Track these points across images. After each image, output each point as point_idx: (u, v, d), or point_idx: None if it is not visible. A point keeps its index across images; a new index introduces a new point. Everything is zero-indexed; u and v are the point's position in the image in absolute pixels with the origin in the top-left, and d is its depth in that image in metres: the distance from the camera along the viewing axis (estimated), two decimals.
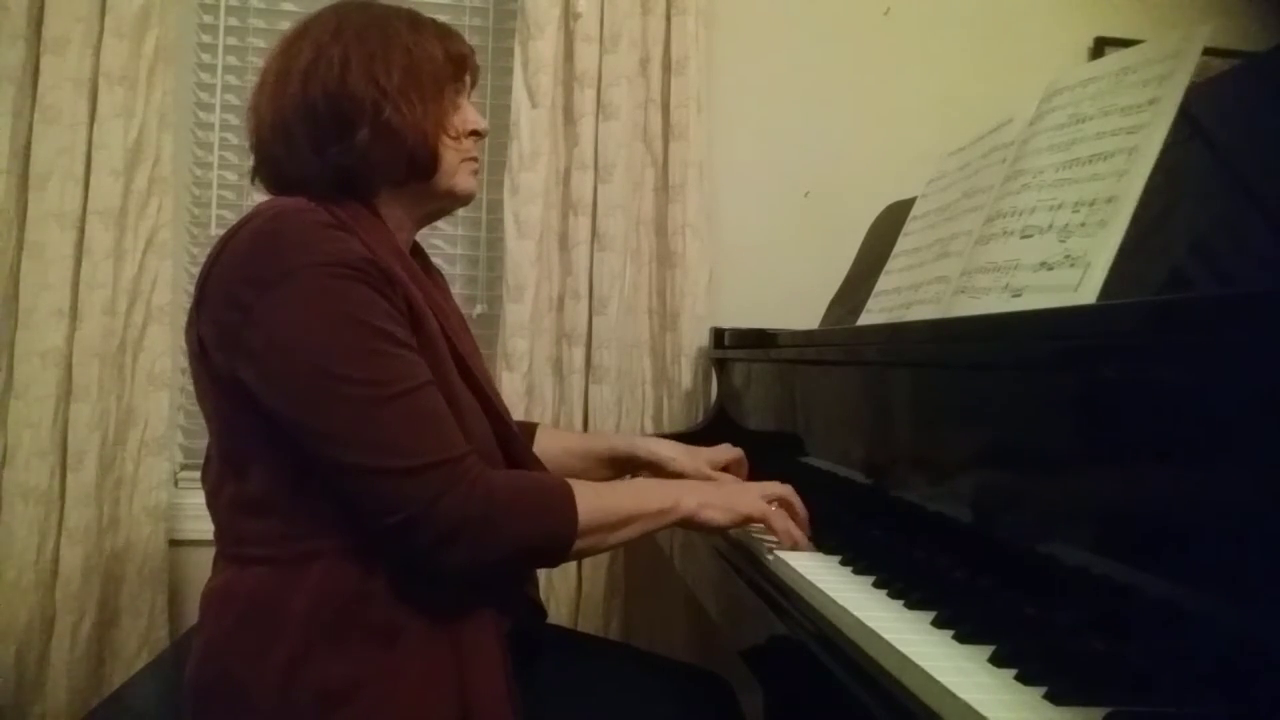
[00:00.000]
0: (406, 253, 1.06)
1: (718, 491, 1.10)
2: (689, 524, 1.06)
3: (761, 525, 1.08)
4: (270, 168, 1.04)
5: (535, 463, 1.12)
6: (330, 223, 0.93)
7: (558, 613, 1.88)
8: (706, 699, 1.22)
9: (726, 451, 1.35)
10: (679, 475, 1.28)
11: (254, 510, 0.95)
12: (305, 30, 1.03)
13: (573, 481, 0.99)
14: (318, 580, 0.92)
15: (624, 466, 1.36)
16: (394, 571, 0.93)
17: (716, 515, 1.05)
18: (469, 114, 1.09)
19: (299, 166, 1.00)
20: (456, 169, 1.07)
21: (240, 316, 0.89)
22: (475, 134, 1.10)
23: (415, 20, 1.06)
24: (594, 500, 0.98)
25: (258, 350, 0.90)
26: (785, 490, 1.10)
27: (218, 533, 1.00)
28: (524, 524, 0.94)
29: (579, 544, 0.97)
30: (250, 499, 0.95)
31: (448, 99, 1.06)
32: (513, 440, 1.06)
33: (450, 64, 1.06)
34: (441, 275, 1.24)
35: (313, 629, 0.91)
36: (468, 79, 1.10)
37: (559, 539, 0.96)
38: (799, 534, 1.07)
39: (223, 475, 0.98)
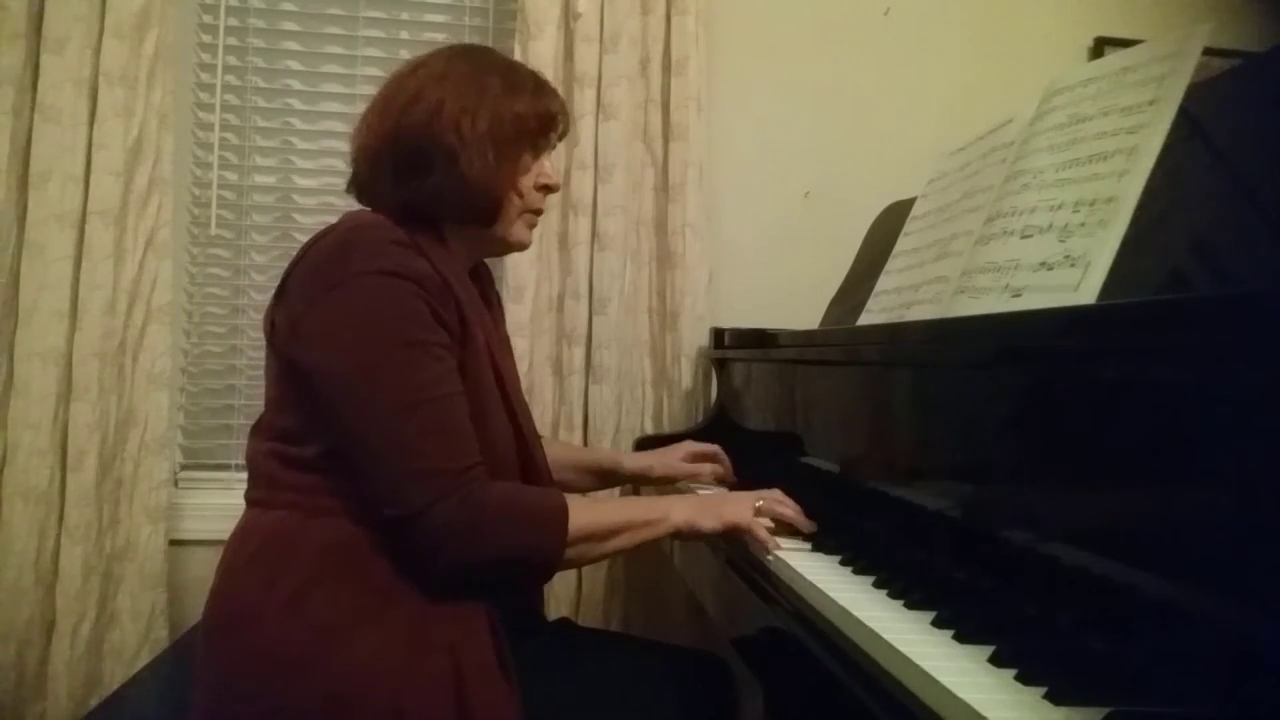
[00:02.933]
0: (466, 277, 1.13)
1: (709, 503, 1.15)
2: (680, 535, 1.12)
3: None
4: (358, 183, 1.15)
5: (548, 480, 1.19)
6: (401, 240, 1.02)
7: (558, 612, 1.88)
8: (704, 679, 1.25)
9: (694, 444, 1.47)
10: (662, 478, 1.45)
11: (292, 464, 1.04)
12: (417, 69, 1.13)
13: (569, 496, 1.06)
14: (333, 530, 1.00)
15: (609, 478, 1.49)
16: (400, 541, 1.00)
17: (708, 523, 1.11)
18: (544, 170, 1.17)
19: (379, 190, 1.11)
20: (514, 221, 1.16)
21: (306, 309, 1.00)
22: (546, 189, 1.17)
23: (512, 79, 1.13)
24: (585, 512, 1.05)
25: (313, 339, 1.00)
26: (772, 495, 1.15)
27: (251, 479, 1.09)
28: (510, 536, 1.01)
29: (569, 553, 1.03)
30: (291, 457, 1.04)
31: (525, 158, 1.14)
32: (531, 459, 1.14)
33: (537, 122, 1.13)
34: (499, 300, 1.32)
35: (319, 569, 0.99)
36: (553, 136, 1.17)
37: (545, 552, 1.02)
38: (800, 529, 1.13)
39: (271, 436, 1.07)
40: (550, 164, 1.18)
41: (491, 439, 1.05)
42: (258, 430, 1.10)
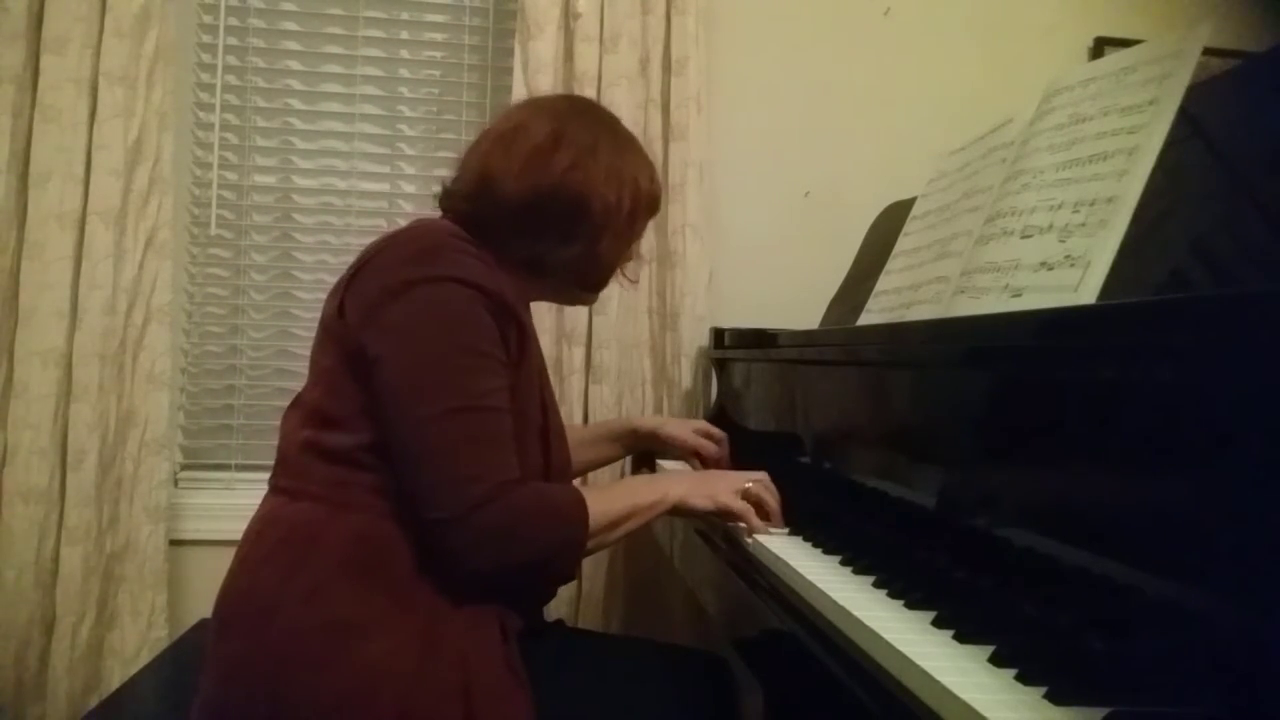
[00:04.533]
0: (527, 304, 1.18)
1: (703, 481, 1.19)
2: (677, 511, 1.16)
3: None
4: (468, 212, 1.14)
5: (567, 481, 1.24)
6: (482, 259, 1.06)
7: (557, 613, 1.88)
8: (704, 679, 1.26)
9: (706, 424, 1.52)
10: (671, 438, 1.50)
11: (326, 455, 1.04)
12: (562, 123, 1.15)
13: (583, 488, 1.11)
14: (357, 526, 1.01)
15: (628, 440, 1.55)
16: (426, 543, 1.01)
17: (700, 503, 1.15)
18: (635, 250, 1.26)
19: (494, 228, 1.11)
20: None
21: (386, 298, 1.02)
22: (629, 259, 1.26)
23: (640, 155, 1.21)
24: (597, 505, 1.07)
25: (386, 329, 1.02)
26: (761, 478, 1.19)
27: (278, 468, 1.10)
28: (542, 538, 1.03)
29: (589, 544, 1.06)
30: (327, 446, 1.04)
31: (637, 237, 1.22)
32: (554, 466, 1.18)
33: (650, 204, 1.21)
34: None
35: (339, 565, 0.99)
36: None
37: (570, 548, 1.06)
38: (772, 525, 1.17)
39: (309, 422, 1.07)
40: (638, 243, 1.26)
41: (527, 450, 1.09)
42: (296, 414, 1.10)
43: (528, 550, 1.02)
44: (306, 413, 1.08)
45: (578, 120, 1.18)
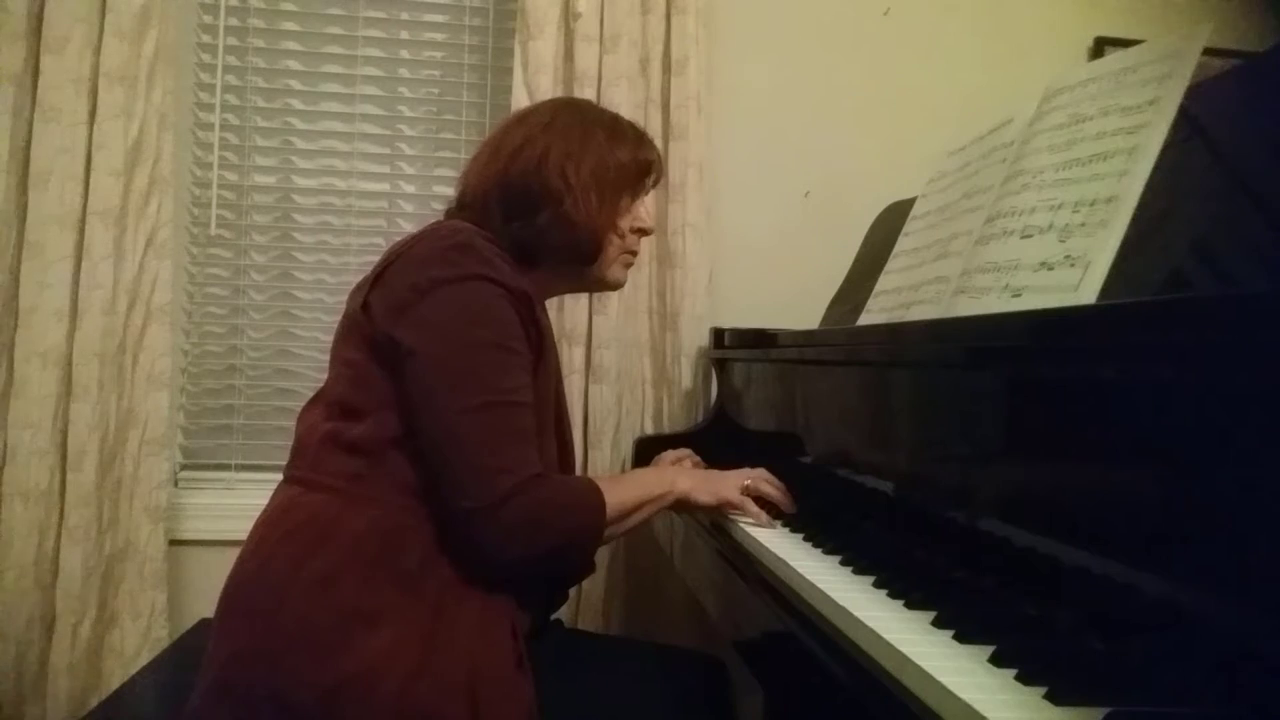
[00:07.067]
0: (545, 307, 1.21)
1: (706, 478, 1.24)
2: (681, 504, 1.22)
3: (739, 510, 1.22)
4: (464, 220, 1.18)
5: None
6: (508, 260, 1.11)
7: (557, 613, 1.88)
8: (701, 680, 1.28)
9: (672, 452, 1.53)
10: None
11: (347, 448, 1.06)
12: (524, 118, 1.23)
13: (596, 479, 1.13)
14: (373, 518, 1.03)
15: None
16: (439, 534, 1.04)
17: (704, 498, 1.21)
18: (640, 214, 1.27)
19: (489, 228, 1.15)
20: (613, 261, 1.25)
21: (416, 294, 1.05)
22: (641, 231, 1.28)
23: (614, 128, 1.23)
24: (612, 495, 1.11)
25: (420, 322, 1.04)
26: (760, 473, 1.24)
27: (295, 458, 1.12)
28: (564, 527, 1.07)
29: (605, 533, 1.11)
30: (348, 439, 1.06)
31: (624, 201, 1.23)
32: (568, 460, 1.24)
33: (636, 169, 1.23)
34: None
35: (353, 554, 1.01)
36: (649, 181, 1.27)
37: (591, 533, 1.09)
38: (783, 509, 1.22)
39: (330, 414, 1.09)
40: (645, 208, 1.27)
41: (544, 444, 1.12)
42: (317, 408, 1.12)
43: (552, 539, 1.04)
44: (329, 405, 1.10)
45: (543, 108, 1.24)
